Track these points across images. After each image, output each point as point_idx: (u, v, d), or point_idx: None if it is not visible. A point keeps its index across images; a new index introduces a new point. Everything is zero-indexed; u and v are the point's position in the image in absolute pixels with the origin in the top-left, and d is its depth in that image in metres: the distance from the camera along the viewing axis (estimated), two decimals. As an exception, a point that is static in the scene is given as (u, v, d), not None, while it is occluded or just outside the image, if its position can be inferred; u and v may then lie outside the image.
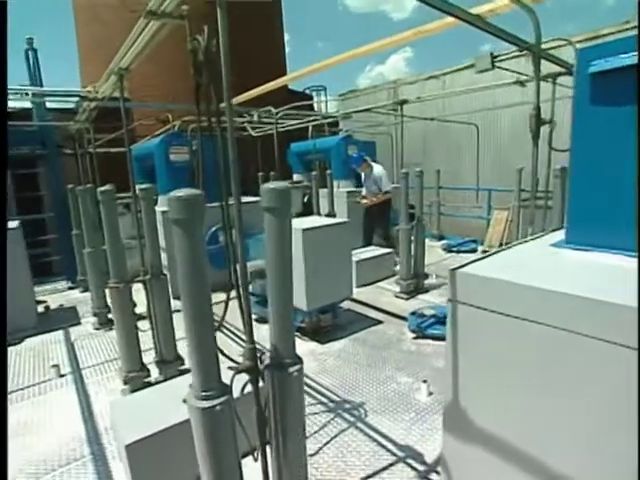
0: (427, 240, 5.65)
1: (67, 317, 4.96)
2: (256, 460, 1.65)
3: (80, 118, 5.18)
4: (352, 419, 2.74)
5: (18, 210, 6.24)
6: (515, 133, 9.04)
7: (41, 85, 5.95)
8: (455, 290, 1.57)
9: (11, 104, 6.42)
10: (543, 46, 2.97)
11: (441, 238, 8.47)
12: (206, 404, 1.32)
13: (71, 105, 6.15)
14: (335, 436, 2.57)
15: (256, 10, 11.69)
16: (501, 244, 7.08)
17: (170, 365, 3.29)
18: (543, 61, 3.01)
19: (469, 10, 2.32)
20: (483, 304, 1.48)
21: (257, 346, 1.53)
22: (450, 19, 2.68)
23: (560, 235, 2.05)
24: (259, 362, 1.53)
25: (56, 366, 3.56)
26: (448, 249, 7.55)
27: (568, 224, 1.84)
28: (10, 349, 4.10)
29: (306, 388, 3.03)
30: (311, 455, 2.35)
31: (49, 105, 6.42)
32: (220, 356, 1.40)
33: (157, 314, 3.21)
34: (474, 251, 7.48)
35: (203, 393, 1.32)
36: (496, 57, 3.13)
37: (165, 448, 2.11)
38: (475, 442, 1.60)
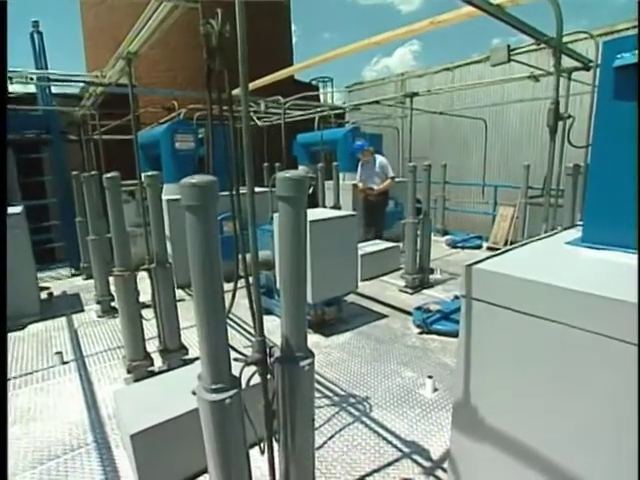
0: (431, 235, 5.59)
1: (70, 304, 4.95)
2: (263, 453, 1.63)
3: (85, 104, 5.13)
4: (357, 413, 2.72)
5: (22, 195, 6.21)
6: (523, 129, 8.95)
7: (46, 68, 5.88)
8: (470, 286, 1.54)
9: (15, 88, 6.37)
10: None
11: (445, 233, 8.41)
12: (216, 397, 1.29)
13: (76, 90, 6.11)
14: (340, 430, 2.55)
15: (263, 2, 11.52)
16: (507, 241, 7.01)
17: (174, 354, 3.28)
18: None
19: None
20: (500, 301, 1.45)
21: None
22: (466, 9, 2.62)
23: (573, 233, 2.01)
24: (268, 355, 1.51)
25: (59, 353, 3.55)
26: (452, 245, 7.47)
27: (585, 222, 1.80)
28: (13, 335, 4.09)
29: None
30: (316, 449, 2.33)
31: (54, 90, 6.36)
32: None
33: (162, 303, 3.19)
34: (479, 247, 7.41)
35: (213, 386, 1.30)
36: (512, 50, 3.07)
37: (169, 438, 2.10)
38: (485, 440, 1.58)
